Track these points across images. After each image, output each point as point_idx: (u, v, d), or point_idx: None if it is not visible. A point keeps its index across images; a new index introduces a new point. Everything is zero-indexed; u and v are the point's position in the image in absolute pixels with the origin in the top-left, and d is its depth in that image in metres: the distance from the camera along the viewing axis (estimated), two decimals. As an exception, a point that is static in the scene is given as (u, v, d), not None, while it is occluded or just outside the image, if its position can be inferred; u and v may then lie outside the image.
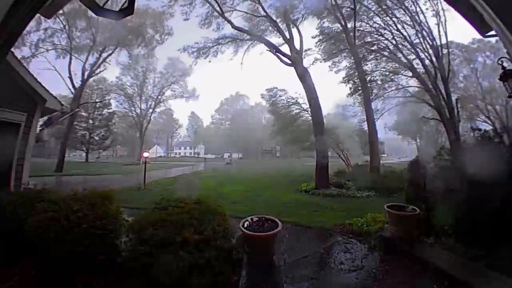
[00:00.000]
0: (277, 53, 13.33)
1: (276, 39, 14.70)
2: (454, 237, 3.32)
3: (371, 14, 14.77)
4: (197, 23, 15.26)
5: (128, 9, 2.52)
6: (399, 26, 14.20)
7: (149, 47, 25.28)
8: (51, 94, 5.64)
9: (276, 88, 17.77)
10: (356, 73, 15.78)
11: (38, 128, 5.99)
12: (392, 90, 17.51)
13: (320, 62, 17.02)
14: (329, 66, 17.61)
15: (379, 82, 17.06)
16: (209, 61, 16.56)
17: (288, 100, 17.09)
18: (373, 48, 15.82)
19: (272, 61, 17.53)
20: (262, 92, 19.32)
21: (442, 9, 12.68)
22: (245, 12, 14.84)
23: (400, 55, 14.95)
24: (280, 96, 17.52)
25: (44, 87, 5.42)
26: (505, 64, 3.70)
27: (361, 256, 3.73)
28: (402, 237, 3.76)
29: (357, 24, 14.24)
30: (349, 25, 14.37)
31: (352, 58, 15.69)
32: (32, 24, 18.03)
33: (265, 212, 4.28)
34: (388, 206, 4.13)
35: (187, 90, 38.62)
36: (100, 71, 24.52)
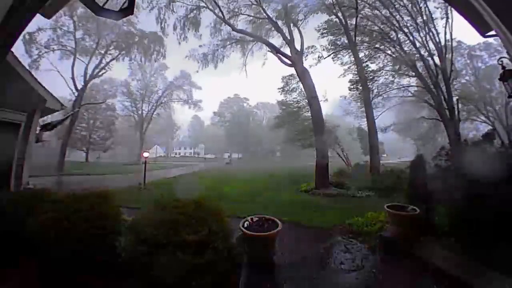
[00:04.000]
0: (278, 54, 13.38)
1: (277, 40, 14.81)
2: (454, 237, 3.32)
3: (376, 11, 14.67)
4: (203, 26, 15.62)
5: (128, 9, 2.53)
6: (404, 27, 14.15)
7: (151, 57, 25.52)
8: (51, 94, 5.64)
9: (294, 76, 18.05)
10: (357, 72, 15.74)
11: (38, 128, 5.99)
12: (393, 89, 17.49)
13: (324, 58, 17.01)
14: (332, 58, 17.56)
15: (380, 82, 17.02)
16: (215, 67, 17.03)
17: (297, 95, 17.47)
18: (377, 46, 15.76)
19: (273, 65, 17.70)
20: (265, 93, 19.97)
21: (450, 10, 12.57)
22: (247, 15, 15.01)
23: (400, 51, 14.90)
24: (296, 84, 17.86)
25: (44, 87, 5.42)
26: (505, 64, 3.70)
27: (361, 256, 3.73)
28: (402, 237, 3.76)
29: (363, 22, 14.23)
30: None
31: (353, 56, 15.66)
32: (43, 23, 18.23)
33: (265, 212, 4.28)
34: (388, 206, 4.13)
35: (192, 100, 39.08)
36: (102, 73, 24.76)
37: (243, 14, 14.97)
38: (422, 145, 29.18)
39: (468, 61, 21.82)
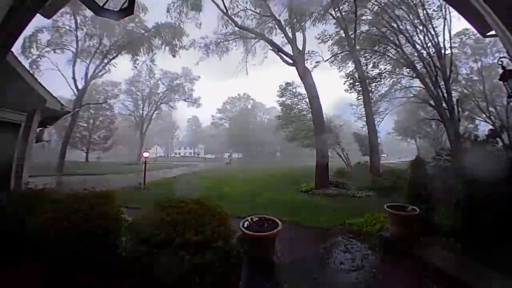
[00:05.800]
0: (279, 52, 13.35)
1: (278, 40, 14.77)
2: (454, 237, 3.32)
3: (375, 15, 14.69)
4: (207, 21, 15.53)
5: (128, 9, 2.53)
6: (402, 27, 14.14)
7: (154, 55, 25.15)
8: (51, 94, 5.63)
9: (291, 83, 18.14)
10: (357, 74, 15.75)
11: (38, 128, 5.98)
12: (395, 90, 17.50)
13: (325, 61, 16.99)
14: (330, 63, 17.57)
15: (380, 83, 17.02)
16: (220, 58, 16.92)
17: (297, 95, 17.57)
18: (376, 49, 15.75)
19: (271, 67, 17.65)
20: (266, 92, 19.92)
21: (449, 12, 12.56)
22: (250, 10, 14.87)
23: (402, 54, 14.91)
24: (294, 89, 17.96)
25: (44, 87, 5.41)
26: (505, 64, 3.70)
27: (361, 256, 3.73)
28: (402, 237, 3.76)
29: (363, 26, 14.23)
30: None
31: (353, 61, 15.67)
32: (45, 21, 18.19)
33: (265, 212, 4.28)
34: (388, 206, 4.13)
35: (192, 97, 39.40)
36: (103, 73, 24.70)
37: (247, 9, 14.74)
38: (423, 146, 29.21)
39: (476, 65, 21.78)
